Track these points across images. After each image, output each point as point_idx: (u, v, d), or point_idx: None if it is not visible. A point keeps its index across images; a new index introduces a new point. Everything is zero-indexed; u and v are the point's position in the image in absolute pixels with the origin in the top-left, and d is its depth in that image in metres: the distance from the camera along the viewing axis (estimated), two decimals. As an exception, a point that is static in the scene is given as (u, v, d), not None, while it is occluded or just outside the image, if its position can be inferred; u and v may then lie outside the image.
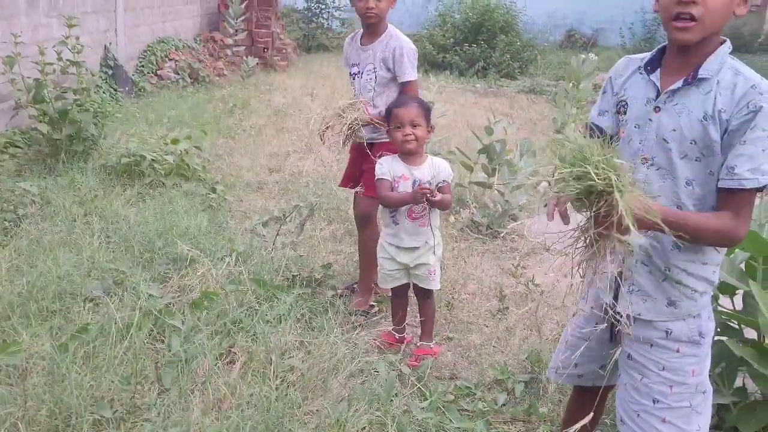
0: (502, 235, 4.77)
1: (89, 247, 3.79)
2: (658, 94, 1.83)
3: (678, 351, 1.90)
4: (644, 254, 1.86)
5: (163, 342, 2.98)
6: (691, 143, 1.76)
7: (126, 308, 3.14)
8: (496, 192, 4.91)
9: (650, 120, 1.83)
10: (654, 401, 1.91)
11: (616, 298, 1.93)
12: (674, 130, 1.77)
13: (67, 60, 5.48)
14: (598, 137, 1.82)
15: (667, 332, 1.89)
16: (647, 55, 1.91)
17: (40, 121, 5.13)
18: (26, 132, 5.53)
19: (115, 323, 2.93)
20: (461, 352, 3.28)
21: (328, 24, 14.91)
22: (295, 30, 14.25)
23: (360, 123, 3.31)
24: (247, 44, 11.34)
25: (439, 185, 3.00)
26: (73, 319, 3.09)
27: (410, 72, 3.36)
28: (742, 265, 2.44)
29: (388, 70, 3.37)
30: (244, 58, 10.53)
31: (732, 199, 1.73)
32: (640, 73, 1.91)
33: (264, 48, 11.50)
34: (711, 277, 1.88)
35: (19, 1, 5.97)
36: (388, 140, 3.28)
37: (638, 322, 1.92)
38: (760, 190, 1.72)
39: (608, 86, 2.01)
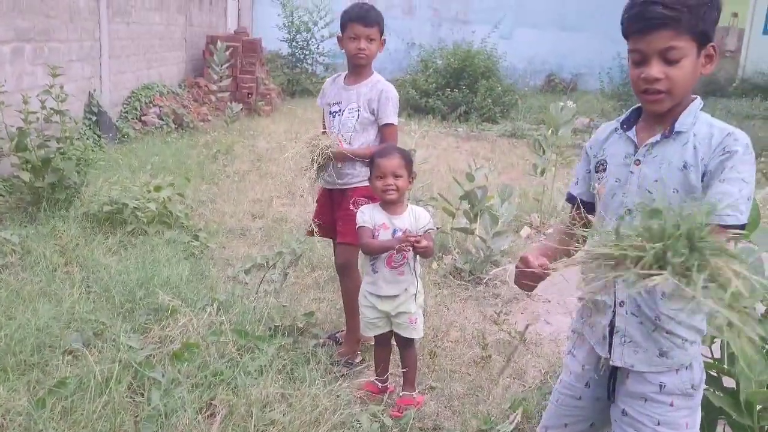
0: (484, 281, 4.79)
1: (69, 298, 3.76)
2: (636, 150, 1.90)
3: (672, 405, 1.91)
4: (634, 305, 1.89)
5: (142, 395, 2.93)
6: (674, 192, 1.81)
7: (105, 360, 3.10)
8: (478, 238, 4.95)
9: (631, 173, 1.89)
10: None
11: (609, 351, 1.95)
12: (656, 181, 1.84)
13: (51, 108, 5.50)
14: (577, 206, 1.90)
15: (660, 386, 1.91)
16: (622, 117, 2.01)
17: (23, 169, 5.12)
18: (8, 180, 5.52)
19: (94, 377, 2.89)
20: (444, 401, 3.26)
21: (312, 69, 15.14)
22: (279, 75, 14.41)
23: (332, 151, 3.36)
24: (231, 89, 11.44)
25: (425, 232, 3.03)
26: (51, 372, 3.05)
27: (392, 116, 3.46)
28: (719, 314, 2.47)
29: (372, 112, 3.44)
30: (229, 103, 10.61)
31: None
32: (618, 133, 1.99)
33: (248, 93, 11.61)
34: (699, 325, 1.91)
35: (4, 49, 6.02)
36: (361, 185, 3.35)
37: (632, 375, 1.94)
38: (740, 231, 1.75)
39: (584, 154, 2.11)
